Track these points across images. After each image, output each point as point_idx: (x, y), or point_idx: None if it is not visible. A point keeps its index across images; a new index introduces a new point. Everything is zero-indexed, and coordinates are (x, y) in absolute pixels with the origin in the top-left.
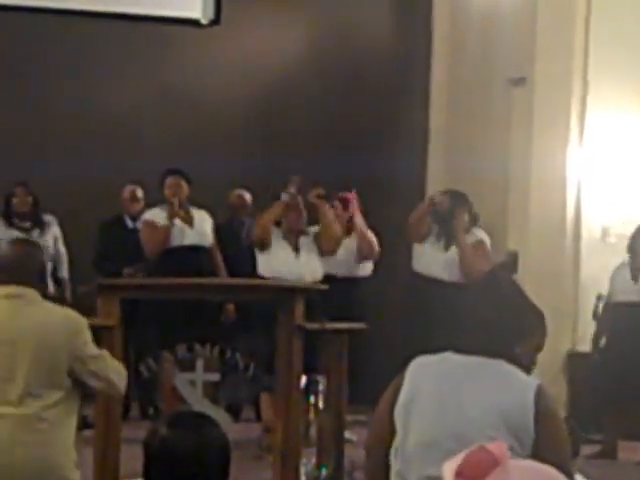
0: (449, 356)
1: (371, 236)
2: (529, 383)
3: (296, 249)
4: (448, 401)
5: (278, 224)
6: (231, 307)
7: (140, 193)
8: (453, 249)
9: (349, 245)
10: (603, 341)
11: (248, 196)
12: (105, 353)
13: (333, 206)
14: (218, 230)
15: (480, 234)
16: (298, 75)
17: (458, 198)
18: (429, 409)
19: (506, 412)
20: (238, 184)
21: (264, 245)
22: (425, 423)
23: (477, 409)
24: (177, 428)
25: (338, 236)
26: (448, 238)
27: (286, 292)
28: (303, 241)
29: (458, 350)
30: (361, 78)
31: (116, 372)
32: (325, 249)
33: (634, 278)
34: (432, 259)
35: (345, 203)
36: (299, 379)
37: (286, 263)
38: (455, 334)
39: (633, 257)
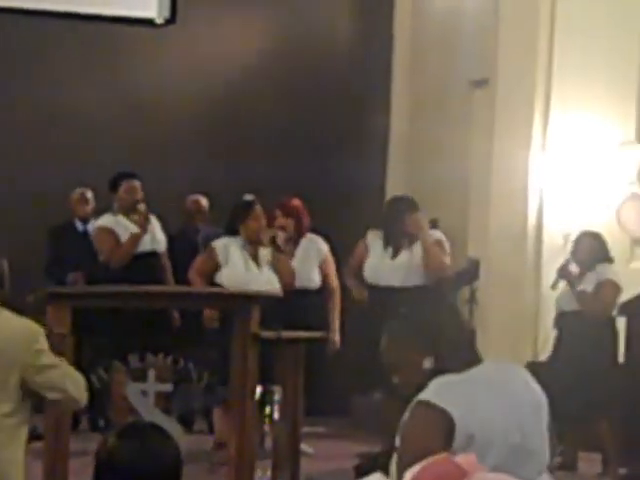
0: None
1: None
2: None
3: (255, 260)
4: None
5: (235, 233)
6: (176, 315)
7: (89, 195)
8: (403, 254)
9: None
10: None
11: (204, 202)
12: (62, 363)
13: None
14: (173, 236)
15: (437, 234)
16: (256, 77)
17: (402, 203)
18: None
19: None
20: (194, 189)
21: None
22: None
23: None
24: (125, 439)
25: (292, 274)
26: (396, 244)
27: (241, 300)
28: (263, 253)
29: None
30: (321, 82)
31: (74, 382)
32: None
33: (568, 282)
34: (381, 268)
35: (288, 210)
36: (254, 389)
37: (243, 275)
38: None
39: (571, 261)
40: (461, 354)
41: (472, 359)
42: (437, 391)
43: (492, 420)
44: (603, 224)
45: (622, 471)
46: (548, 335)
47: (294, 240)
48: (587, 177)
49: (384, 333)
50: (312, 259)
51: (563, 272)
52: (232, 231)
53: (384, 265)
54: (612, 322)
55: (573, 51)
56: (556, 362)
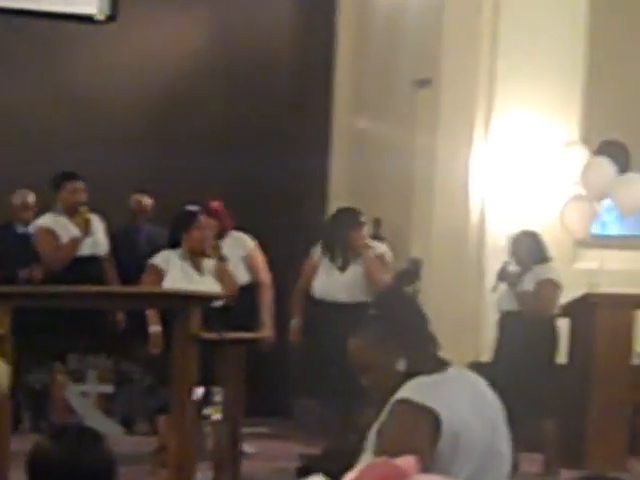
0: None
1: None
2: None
3: (198, 270)
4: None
5: (177, 243)
6: (120, 316)
7: (32, 199)
8: (351, 269)
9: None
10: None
11: (147, 200)
12: None
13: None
14: (115, 236)
15: (382, 248)
16: (198, 74)
17: (347, 216)
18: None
19: None
20: (136, 187)
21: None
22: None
23: None
24: (58, 442)
25: (235, 286)
26: (344, 259)
27: (182, 301)
28: (206, 264)
29: None
30: (263, 78)
31: None
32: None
33: (508, 283)
34: (329, 283)
35: (210, 211)
36: (194, 390)
37: (183, 284)
38: None
39: (510, 261)
40: (431, 357)
41: (441, 362)
42: (418, 390)
43: (471, 421)
44: (546, 225)
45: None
46: (490, 335)
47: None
48: (530, 177)
49: (355, 334)
50: (236, 256)
51: (502, 274)
52: (175, 241)
53: (333, 280)
54: (552, 322)
55: (516, 51)
56: (497, 362)
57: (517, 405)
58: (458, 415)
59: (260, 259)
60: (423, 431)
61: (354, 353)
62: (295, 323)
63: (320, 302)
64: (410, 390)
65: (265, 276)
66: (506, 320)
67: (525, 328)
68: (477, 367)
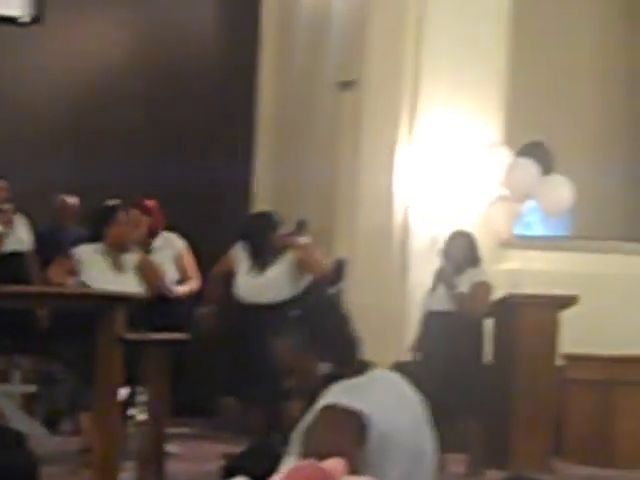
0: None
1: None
2: None
3: (118, 265)
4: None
5: (96, 240)
6: (43, 315)
7: None
8: (270, 270)
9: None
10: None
11: (72, 201)
12: None
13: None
14: (41, 235)
15: (304, 240)
16: (123, 75)
17: (265, 220)
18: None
19: None
20: (60, 187)
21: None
22: None
23: None
24: None
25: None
26: (263, 261)
27: (106, 301)
28: (126, 259)
29: None
30: (187, 80)
31: None
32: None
33: (446, 284)
34: (250, 284)
35: (144, 209)
36: (118, 390)
37: (106, 281)
38: None
39: (446, 262)
40: (354, 359)
41: (364, 364)
42: (343, 393)
43: (399, 421)
44: (470, 225)
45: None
46: (414, 335)
47: (147, 241)
48: (454, 178)
49: (278, 336)
50: (166, 256)
51: (442, 275)
52: (96, 236)
53: (253, 282)
54: (480, 323)
55: (440, 53)
56: (423, 361)
57: (444, 404)
58: (386, 416)
59: (189, 259)
60: (350, 433)
61: (277, 356)
62: (208, 310)
63: (241, 304)
64: (335, 394)
65: (194, 275)
66: (434, 320)
67: (455, 328)
68: (401, 366)
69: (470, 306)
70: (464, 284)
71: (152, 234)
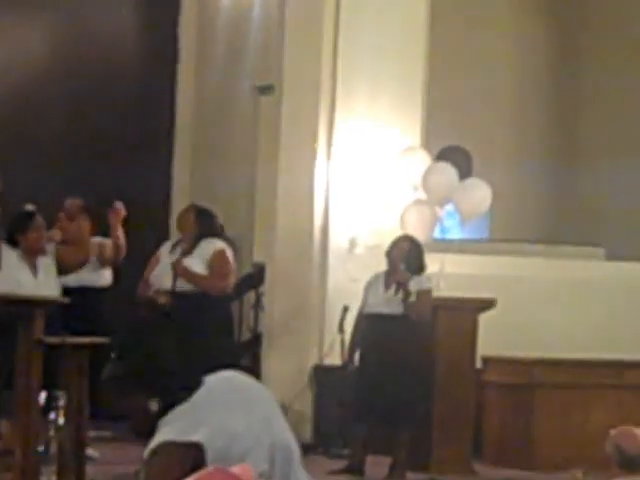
0: None
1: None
2: None
3: (34, 269)
4: None
5: (15, 244)
6: None
7: None
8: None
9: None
10: (357, 354)
11: None
12: None
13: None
14: None
15: (218, 244)
16: (40, 77)
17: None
18: None
19: None
20: None
21: None
22: None
23: None
24: None
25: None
26: (182, 251)
27: (25, 305)
28: (41, 261)
29: None
30: (105, 85)
31: None
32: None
33: (387, 286)
34: (163, 272)
35: (69, 214)
36: (38, 395)
37: (23, 285)
38: None
39: (388, 266)
40: (184, 384)
41: (195, 384)
42: (174, 427)
43: (243, 428)
44: (388, 229)
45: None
46: (333, 339)
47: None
48: (372, 182)
49: (104, 379)
50: (94, 261)
51: (402, 284)
52: (11, 241)
53: (165, 269)
54: (429, 327)
55: (358, 58)
56: (361, 365)
57: (377, 408)
58: (224, 430)
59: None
60: (184, 468)
61: (109, 401)
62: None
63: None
64: (167, 429)
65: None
66: (376, 323)
67: (399, 331)
68: (323, 371)
69: (420, 312)
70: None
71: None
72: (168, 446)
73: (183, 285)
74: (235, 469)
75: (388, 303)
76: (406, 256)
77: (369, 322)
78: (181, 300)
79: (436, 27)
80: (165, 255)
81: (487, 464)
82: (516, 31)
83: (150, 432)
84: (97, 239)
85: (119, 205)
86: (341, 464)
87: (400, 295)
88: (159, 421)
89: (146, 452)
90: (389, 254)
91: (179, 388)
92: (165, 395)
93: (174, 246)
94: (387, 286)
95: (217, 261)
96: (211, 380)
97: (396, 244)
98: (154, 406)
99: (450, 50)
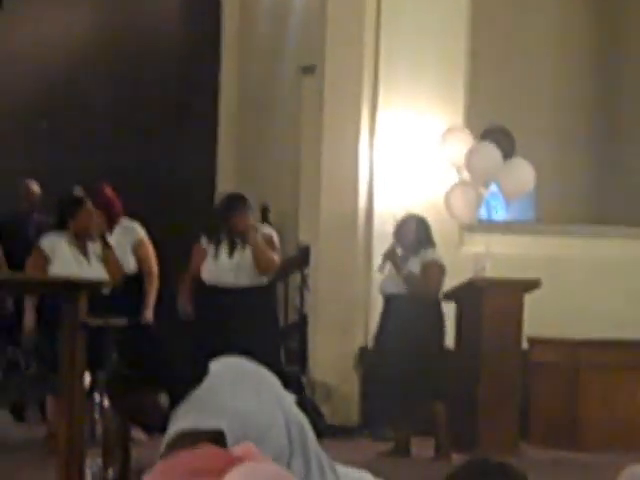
0: None
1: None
2: None
3: (85, 254)
4: None
5: (63, 227)
6: (8, 303)
7: None
8: (237, 254)
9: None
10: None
11: (35, 187)
12: None
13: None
14: (3, 223)
15: (267, 230)
16: (86, 61)
17: (232, 202)
18: None
19: None
20: (22, 174)
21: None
22: None
23: None
24: None
25: (121, 271)
26: (230, 244)
27: (69, 287)
28: (91, 247)
29: None
30: (148, 68)
31: None
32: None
33: (393, 265)
34: (216, 267)
35: (97, 202)
36: (82, 377)
37: (71, 269)
38: None
39: (397, 244)
40: (191, 373)
41: (202, 372)
42: (189, 416)
43: (256, 408)
44: (432, 209)
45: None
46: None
47: (107, 228)
48: (415, 163)
49: (109, 379)
50: (125, 245)
51: (389, 255)
52: (61, 225)
53: (219, 265)
54: (438, 305)
55: (400, 37)
56: (384, 346)
57: (406, 389)
58: (240, 416)
59: (147, 248)
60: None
61: (116, 399)
62: (185, 309)
63: (208, 287)
64: (182, 417)
65: (152, 265)
66: (391, 303)
67: (412, 311)
68: (369, 353)
69: (420, 286)
70: (414, 265)
71: (111, 222)
72: (188, 435)
73: (244, 281)
74: (237, 449)
75: (397, 283)
76: (415, 233)
77: (384, 303)
78: (242, 295)
79: (478, 7)
80: (211, 250)
81: (534, 445)
82: (559, 11)
83: (162, 427)
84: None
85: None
86: (388, 446)
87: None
88: (170, 413)
89: (164, 443)
90: (397, 232)
91: (186, 378)
92: (173, 387)
93: (218, 240)
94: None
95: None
96: (216, 366)
97: (398, 225)
98: (164, 399)
99: (492, 31)
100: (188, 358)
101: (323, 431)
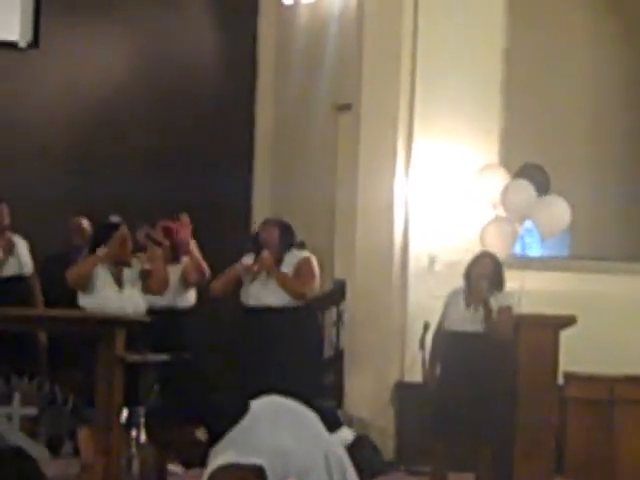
0: None
1: (202, 262)
2: None
3: (119, 283)
4: None
5: None
6: (43, 337)
7: None
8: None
9: (174, 273)
10: (438, 371)
11: (86, 223)
12: None
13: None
14: (52, 258)
15: (304, 254)
16: (123, 95)
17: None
18: None
19: None
20: (67, 207)
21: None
22: None
23: None
24: None
25: (166, 277)
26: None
27: (106, 323)
28: (127, 274)
29: None
30: (186, 102)
31: None
32: (155, 290)
33: (468, 304)
34: (258, 288)
35: (167, 232)
36: (120, 412)
37: (109, 298)
38: None
39: (468, 284)
40: (232, 410)
41: (243, 409)
42: (232, 450)
43: (295, 446)
44: (467, 246)
45: None
46: (415, 355)
47: (172, 260)
48: (451, 199)
49: (149, 411)
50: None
51: (474, 295)
52: (94, 251)
53: (261, 286)
54: (507, 349)
55: (436, 76)
56: (446, 383)
57: (457, 425)
58: (281, 455)
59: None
60: None
61: (153, 434)
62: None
63: (251, 309)
64: (225, 453)
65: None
66: (457, 341)
67: (483, 351)
68: (405, 388)
69: (500, 330)
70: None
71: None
72: (230, 467)
73: (278, 300)
74: None
75: (470, 321)
76: (490, 273)
77: (451, 339)
78: (275, 315)
79: (514, 41)
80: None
81: None
82: (594, 45)
83: (201, 462)
84: (183, 260)
85: (185, 218)
86: None
87: (481, 313)
88: (209, 450)
89: (206, 475)
90: (470, 271)
91: (227, 414)
92: (213, 423)
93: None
94: (468, 304)
95: (304, 266)
96: (257, 405)
97: (478, 261)
98: (202, 435)
99: (527, 69)
100: (229, 394)
101: (381, 469)
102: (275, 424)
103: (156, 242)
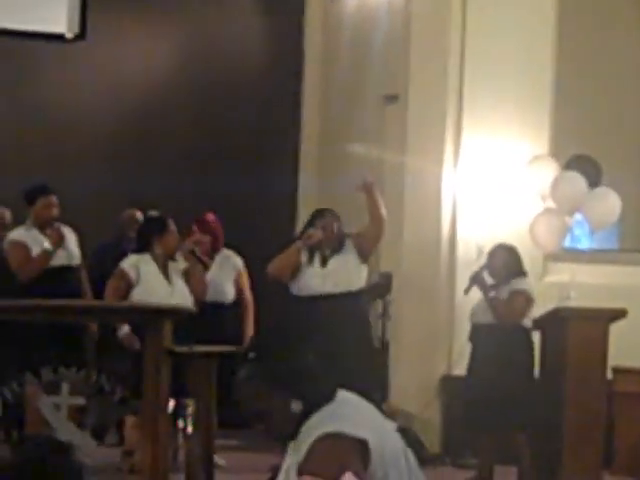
0: None
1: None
2: None
3: (167, 276)
4: None
5: (145, 249)
6: (94, 328)
7: (8, 216)
8: (332, 261)
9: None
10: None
11: (139, 215)
12: None
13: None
14: (103, 248)
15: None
16: (168, 92)
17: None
18: None
19: None
20: (110, 201)
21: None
22: None
23: None
24: (19, 454)
25: (205, 289)
26: (322, 254)
27: (153, 314)
28: (174, 267)
29: None
30: (233, 94)
31: None
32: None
33: (481, 289)
34: (311, 277)
35: (203, 225)
36: (167, 403)
37: (158, 293)
38: None
39: (491, 274)
40: (322, 389)
41: (331, 391)
42: (338, 422)
43: (384, 435)
44: (517, 238)
45: None
46: (462, 348)
47: (209, 256)
48: (500, 190)
49: (240, 382)
50: (227, 274)
51: (476, 279)
52: (143, 247)
53: (316, 275)
54: (527, 335)
55: (484, 66)
56: (472, 375)
57: (492, 418)
58: (374, 438)
59: (246, 279)
60: (358, 460)
61: (243, 400)
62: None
63: (301, 298)
64: (331, 423)
65: (249, 295)
66: (480, 332)
67: (501, 340)
68: (452, 381)
69: (505, 312)
70: (505, 294)
71: (214, 250)
72: (336, 435)
73: (333, 288)
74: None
75: (483, 312)
76: (505, 263)
77: (476, 331)
78: (331, 303)
79: (563, 34)
80: (304, 261)
81: (617, 475)
82: None
83: (292, 433)
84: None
85: (211, 216)
86: (470, 474)
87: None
88: (302, 422)
89: (309, 441)
90: (488, 263)
91: (321, 393)
92: (309, 398)
93: (311, 254)
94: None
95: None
96: (342, 394)
97: (493, 254)
98: (297, 407)
99: (577, 58)
100: (318, 373)
101: (424, 462)
102: (361, 413)
103: (200, 260)
